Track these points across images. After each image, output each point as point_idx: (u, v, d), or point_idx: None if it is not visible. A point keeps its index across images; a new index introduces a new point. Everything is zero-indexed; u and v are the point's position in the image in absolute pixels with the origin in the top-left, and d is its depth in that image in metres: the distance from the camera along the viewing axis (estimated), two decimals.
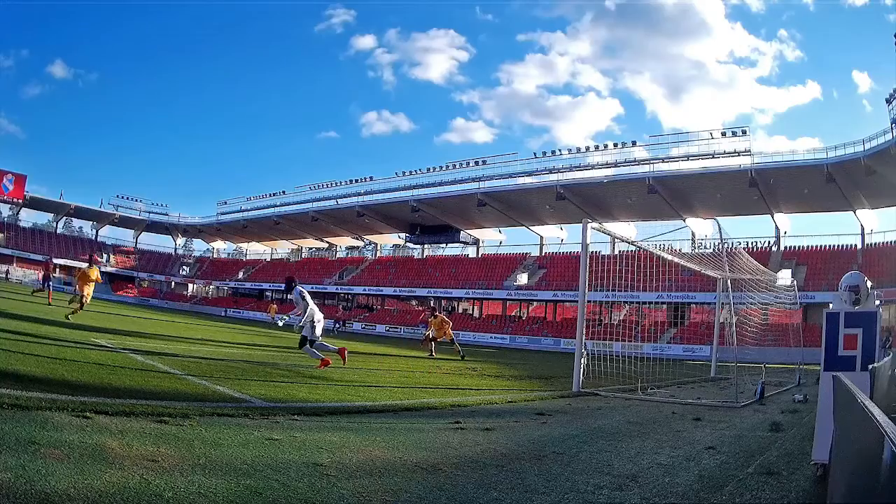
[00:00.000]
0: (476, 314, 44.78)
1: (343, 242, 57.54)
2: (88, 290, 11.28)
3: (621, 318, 28.58)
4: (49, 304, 15.38)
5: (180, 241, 66.26)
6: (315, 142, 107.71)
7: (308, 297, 7.79)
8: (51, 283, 18.62)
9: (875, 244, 33.06)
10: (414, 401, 5.64)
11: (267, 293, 55.43)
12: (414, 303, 47.82)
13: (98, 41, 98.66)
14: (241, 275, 58.58)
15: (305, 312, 7.62)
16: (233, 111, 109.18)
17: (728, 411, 6.93)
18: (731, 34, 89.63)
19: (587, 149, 39.89)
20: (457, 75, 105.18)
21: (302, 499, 2.32)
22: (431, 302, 18.05)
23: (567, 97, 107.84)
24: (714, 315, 17.86)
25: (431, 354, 13.88)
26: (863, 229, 33.72)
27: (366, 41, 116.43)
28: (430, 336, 14.57)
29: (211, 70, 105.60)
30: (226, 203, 59.69)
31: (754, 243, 36.55)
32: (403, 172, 46.47)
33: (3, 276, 44.27)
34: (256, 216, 55.92)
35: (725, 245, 10.67)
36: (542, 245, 45.62)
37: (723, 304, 13.68)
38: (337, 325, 31.69)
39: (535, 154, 42.69)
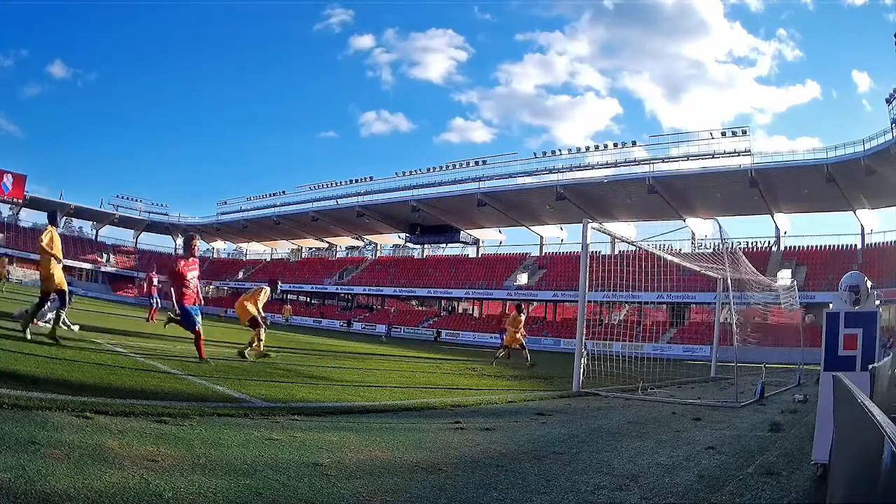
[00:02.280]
0: (476, 314, 44.79)
1: (343, 242, 57.59)
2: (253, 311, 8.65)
3: (621, 318, 28.59)
4: (148, 321, 14.17)
5: (180, 241, 66.24)
6: (314, 142, 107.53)
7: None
8: (157, 299, 15.86)
9: (875, 244, 33.07)
10: (414, 401, 5.64)
11: None
12: (414, 303, 47.85)
13: (97, 41, 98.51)
14: (241, 275, 58.62)
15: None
16: (233, 111, 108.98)
17: (728, 411, 6.93)
18: (730, 33, 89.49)
19: (587, 149, 39.95)
20: (455, 75, 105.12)
21: (302, 499, 2.32)
22: (521, 305, 16.23)
23: (566, 97, 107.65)
24: (714, 315, 17.86)
25: (528, 360, 12.55)
26: (863, 229, 33.73)
27: (364, 41, 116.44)
28: (513, 341, 13.05)
29: (210, 70, 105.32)
30: (226, 203, 59.82)
31: (754, 243, 36.59)
32: (403, 172, 46.59)
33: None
34: (256, 216, 55.96)
35: (725, 245, 10.67)
36: (542, 245, 45.64)
37: (723, 304, 13.68)
38: (386, 332, 30.71)
39: (534, 154, 42.77)
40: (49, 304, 9.06)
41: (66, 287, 7.14)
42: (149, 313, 15.33)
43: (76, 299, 18.42)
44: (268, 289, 8.90)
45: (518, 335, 12.86)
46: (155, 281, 16.03)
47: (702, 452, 4.07)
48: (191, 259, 6.94)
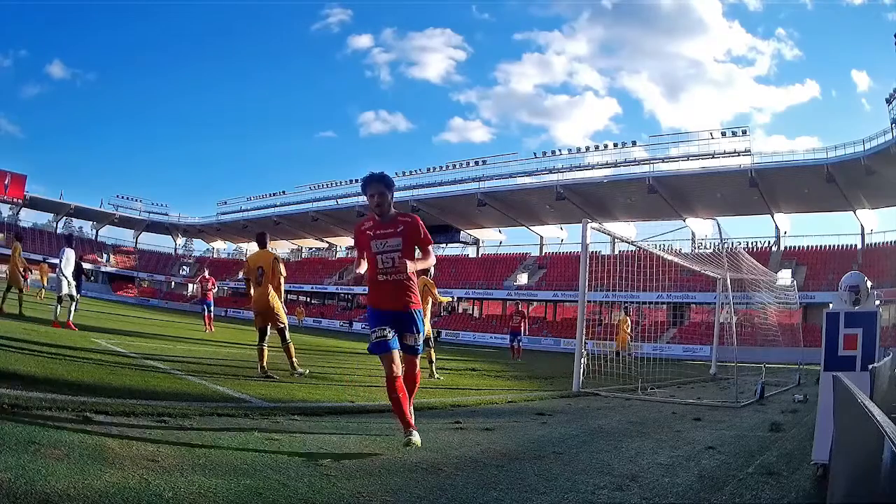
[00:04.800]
0: (476, 314, 44.78)
1: (343, 242, 57.57)
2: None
3: (621, 317, 28.55)
4: (208, 331, 13.22)
5: (180, 241, 66.28)
6: (314, 141, 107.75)
7: (62, 265, 8.93)
8: (211, 306, 14.32)
9: (875, 244, 33.09)
10: (414, 401, 5.62)
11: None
12: None
13: (96, 41, 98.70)
14: (241, 275, 58.35)
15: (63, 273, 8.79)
16: (232, 111, 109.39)
17: (728, 411, 6.93)
18: (729, 32, 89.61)
19: (587, 149, 40.02)
20: (454, 75, 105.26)
21: (302, 499, 2.32)
22: (627, 308, 14.99)
23: (565, 96, 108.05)
24: (714, 315, 17.85)
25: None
26: (863, 229, 33.75)
27: (362, 41, 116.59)
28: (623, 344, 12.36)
29: (209, 70, 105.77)
30: (226, 203, 59.92)
31: (754, 243, 36.60)
32: (403, 172, 46.60)
33: (3, 276, 44.29)
34: (256, 216, 56.01)
35: (725, 245, 10.66)
36: (542, 245, 45.66)
37: (723, 304, 13.68)
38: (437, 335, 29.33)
39: (534, 154, 42.85)
40: (66, 300, 8.93)
41: (285, 321, 6.34)
42: (204, 321, 14.08)
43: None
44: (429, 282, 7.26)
45: (626, 337, 12.91)
46: (210, 284, 14.74)
47: (702, 452, 4.07)
48: (382, 221, 3.43)
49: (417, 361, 3.59)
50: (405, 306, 3.39)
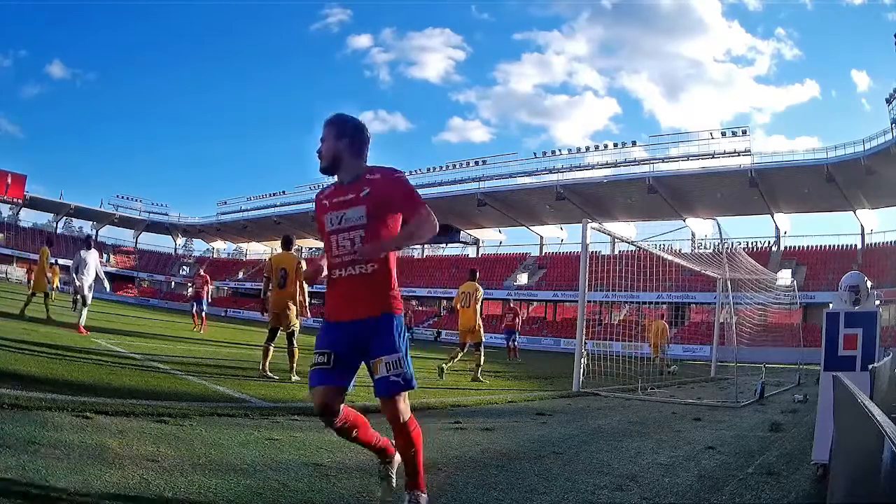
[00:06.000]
0: None
1: None
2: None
3: (621, 318, 28.55)
4: (200, 331, 12.93)
5: (180, 241, 66.24)
6: (313, 141, 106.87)
7: (82, 265, 8.69)
8: (204, 306, 13.75)
9: (875, 244, 33.09)
10: (414, 401, 5.62)
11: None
12: (414, 303, 47.85)
13: (96, 41, 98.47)
14: (241, 275, 58.61)
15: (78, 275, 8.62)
16: (232, 111, 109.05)
17: (728, 411, 6.93)
18: (729, 32, 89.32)
19: (587, 149, 40.03)
20: (453, 74, 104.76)
21: (302, 499, 2.32)
22: (662, 310, 15.04)
23: (564, 96, 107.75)
24: (714, 315, 17.85)
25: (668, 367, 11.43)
26: (863, 229, 33.75)
27: (362, 40, 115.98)
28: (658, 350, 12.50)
29: (209, 70, 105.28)
30: (226, 203, 59.84)
31: (754, 243, 36.59)
32: None
33: (3, 276, 44.31)
34: (256, 216, 55.98)
35: (725, 245, 10.67)
36: (542, 245, 45.64)
37: (723, 304, 13.68)
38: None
39: (534, 154, 42.85)
40: (79, 304, 8.79)
41: (296, 325, 6.38)
42: (194, 320, 13.71)
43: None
44: (480, 289, 8.15)
45: (665, 344, 13.18)
46: (203, 282, 13.89)
47: (702, 452, 4.07)
48: (342, 183, 2.32)
49: (403, 403, 2.31)
50: (370, 311, 2.19)
